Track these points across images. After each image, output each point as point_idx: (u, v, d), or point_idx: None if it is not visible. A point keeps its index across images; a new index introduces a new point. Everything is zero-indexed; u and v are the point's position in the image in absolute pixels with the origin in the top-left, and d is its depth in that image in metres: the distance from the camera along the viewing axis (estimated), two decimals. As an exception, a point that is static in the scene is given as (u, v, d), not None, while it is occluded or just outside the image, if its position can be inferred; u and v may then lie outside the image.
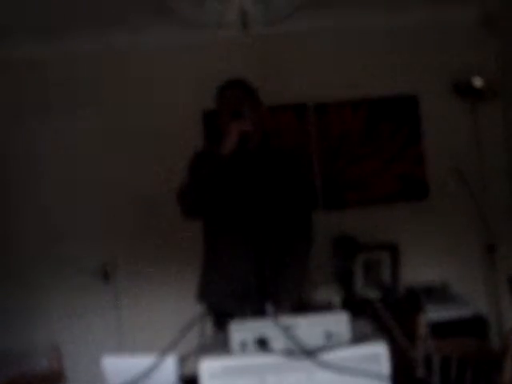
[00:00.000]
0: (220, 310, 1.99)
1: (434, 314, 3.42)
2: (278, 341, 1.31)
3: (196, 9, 1.99)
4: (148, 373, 1.40)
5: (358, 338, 1.34)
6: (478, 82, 3.80)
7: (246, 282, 2.42)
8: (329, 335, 1.32)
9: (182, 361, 1.47)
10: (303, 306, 2.54)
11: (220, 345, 1.44)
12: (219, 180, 2.41)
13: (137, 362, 1.43)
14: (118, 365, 1.46)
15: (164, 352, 1.40)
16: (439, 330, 2.08)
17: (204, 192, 2.42)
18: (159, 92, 4.01)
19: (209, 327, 1.67)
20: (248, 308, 1.39)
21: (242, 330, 1.32)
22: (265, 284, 2.41)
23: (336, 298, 1.38)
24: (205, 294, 2.59)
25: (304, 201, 2.63)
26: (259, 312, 1.42)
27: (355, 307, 3.32)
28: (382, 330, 1.41)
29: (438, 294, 3.62)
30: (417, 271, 3.84)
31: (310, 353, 1.29)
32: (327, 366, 1.28)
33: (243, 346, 1.31)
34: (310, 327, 1.32)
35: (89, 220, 4.00)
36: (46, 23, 3.67)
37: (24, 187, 3.99)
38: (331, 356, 1.29)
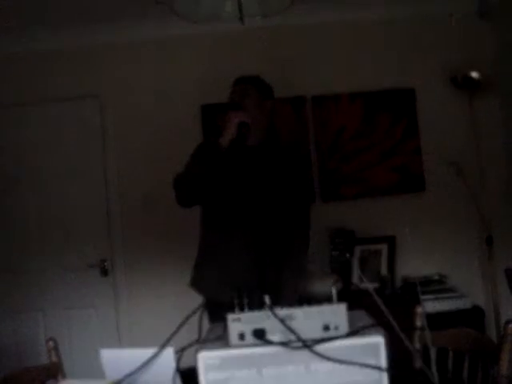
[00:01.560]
0: (216, 302, 2.00)
1: (431, 305, 3.43)
2: (275, 332, 1.31)
3: (190, 3, 1.99)
4: (146, 365, 1.41)
5: (355, 330, 1.34)
6: (475, 74, 3.79)
7: (244, 274, 2.43)
8: (326, 326, 1.32)
9: (181, 353, 1.47)
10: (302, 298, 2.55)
11: (218, 336, 1.44)
12: (215, 169, 2.41)
13: (135, 355, 1.43)
14: (116, 358, 1.46)
15: (162, 344, 1.41)
16: (436, 321, 2.08)
17: (198, 180, 2.43)
18: (157, 87, 4.00)
19: (205, 319, 1.68)
20: (246, 300, 1.39)
21: (239, 322, 1.32)
22: (263, 276, 2.41)
23: (333, 290, 1.37)
24: (200, 284, 2.59)
25: (302, 196, 2.63)
26: (257, 304, 1.42)
27: (353, 299, 3.33)
28: (379, 322, 1.41)
29: (436, 285, 3.63)
30: (414, 263, 3.84)
31: (307, 344, 1.29)
32: (325, 357, 1.29)
33: (241, 338, 1.31)
34: (307, 318, 1.32)
35: (87, 215, 4.00)
36: (46, 18, 3.67)
37: (24, 181, 4.00)
38: (329, 347, 1.30)
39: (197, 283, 2.60)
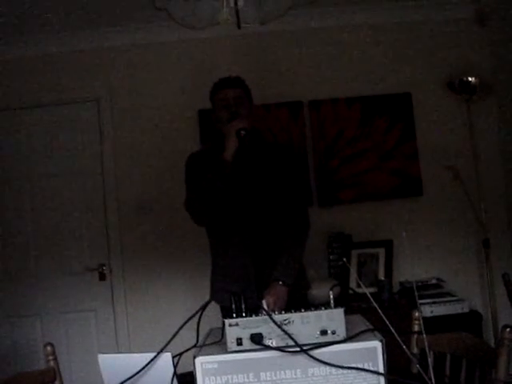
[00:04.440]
0: (225, 307, 2.01)
1: (429, 309, 3.44)
2: (273, 337, 1.32)
3: (188, 10, 2.00)
4: (144, 370, 1.41)
5: (353, 334, 1.35)
6: (472, 79, 3.80)
7: (244, 278, 2.43)
8: (324, 331, 1.32)
9: (179, 357, 1.47)
10: (302, 299, 2.55)
11: (215, 341, 1.45)
12: (226, 186, 2.40)
13: (133, 360, 1.43)
14: (114, 363, 1.46)
15: (160, 349, 1.41)
16: (434, 325, 2.09)
17: (213, 200, 2.42)
18: (155, 92, 4.00)
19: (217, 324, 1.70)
20: (246, 304, 1.39)
21: (237, 327, 1.32)
22: (262, 280, 2.41)
23: (331, 294, 1.38)
24: (213, 292, 2.59)
25: (299, 193, 2.62)
26: (257, 308, 1.42)
27: (350, 303, 3.33)
28: (376, 326, 1.41)
29: (433, 289, 3.63)
30: (411, 267, 3.85)
31: (305, 349, 1.29)
32: (322, 361, 1.29)
33: (238, 343, 1.32)
34: (305, 323, 1.32)
35: (85, 219, 4.00)
36: (44, 22, 3.67)
37: (22, 185, 3.99)
38: (326, 352, 1.30)
39: (211, 293, 2.60)
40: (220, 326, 1.53)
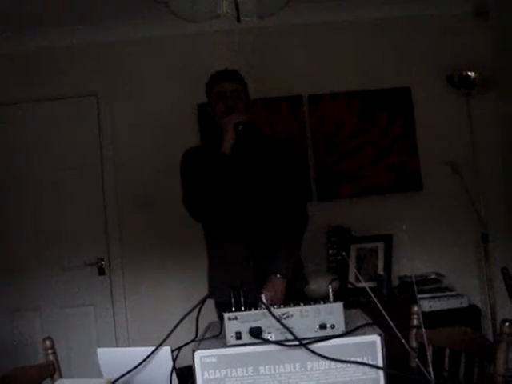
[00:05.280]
0: (222, 303, 2.02)
1: (428, 304, 3.44)
2: (272, 331, 1.32)
3: (187, 3, 1.99)
4: (143, 364, 1.41)
5: (352, 328, 1.35)
6: (471, 73, 3.79)
7: (243, 272, 2.43)
8: (323, 325, 1.32)
9: (178, 351, 1.47)
10: (299, 293, 2.55)
11: (215, 335, 1.45)
12: (224, 180, 2.40)
13: (132, 354, 1.43)
14: (113, 356, 1.46)
15: (159, 343, 1.41)
16: (433, 320, 2.09)
17: (212, 195, 2.42)
18: (154, 86, 3.99)
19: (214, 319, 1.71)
20: (245, 298, 1.39)
21: (236, 320, 1.32)
22: (261, 274, 2.42)
23: (330, 289, 1.38)
24: (211, 288, 2.59)
25: (297, 187, 2.61)
26: (256, 302, 1.42)
27: (349, 297, 3.34)
28: (376, 320, 1.41)
29: (432, 284, 3.63)
30: (411, 262, 3.85)
31: (304, 343, 1.29)
32: (321, 355, 1.29)
33: (237, 336, 1.32)
34: (304, 317, 1.32)
35: (84, 213, 3.99)
36: (43, 16, 3.66)
37: (21, 180, 3.98)
38: (325, 346, 1.30)
39: (210, 290, 2.59)
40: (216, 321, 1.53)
